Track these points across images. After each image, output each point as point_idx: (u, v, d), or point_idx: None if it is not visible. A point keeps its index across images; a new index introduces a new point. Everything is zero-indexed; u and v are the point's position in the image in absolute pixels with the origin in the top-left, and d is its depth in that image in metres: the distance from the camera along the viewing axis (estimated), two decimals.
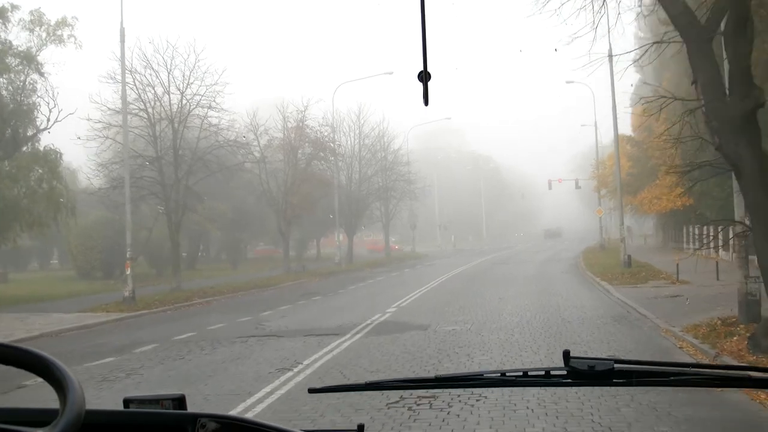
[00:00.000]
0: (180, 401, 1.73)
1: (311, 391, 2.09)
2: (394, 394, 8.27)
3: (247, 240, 56.80)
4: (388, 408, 7.98)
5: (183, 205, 28.17)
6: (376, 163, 51.65)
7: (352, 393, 7.31)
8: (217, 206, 43.33)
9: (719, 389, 6.97)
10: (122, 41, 24.23)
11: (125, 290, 23.09)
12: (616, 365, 1.79)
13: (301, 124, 37.51)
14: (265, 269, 42.20)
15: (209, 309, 23.15)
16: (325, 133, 40.46)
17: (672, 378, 1.85)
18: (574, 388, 7.79)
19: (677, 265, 22.65)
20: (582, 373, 1.78)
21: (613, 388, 5.62)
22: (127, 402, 1.74)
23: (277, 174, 38.57)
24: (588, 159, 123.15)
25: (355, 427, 1.78)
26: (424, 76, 2.64)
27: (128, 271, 23.05)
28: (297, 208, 37.46)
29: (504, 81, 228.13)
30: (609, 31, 13.77)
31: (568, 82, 52.11)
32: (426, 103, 2.70)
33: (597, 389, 7.96)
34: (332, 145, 40.36)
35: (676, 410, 7.39)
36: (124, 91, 25.06)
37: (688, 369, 1.94)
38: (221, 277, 36.18)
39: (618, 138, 31.17)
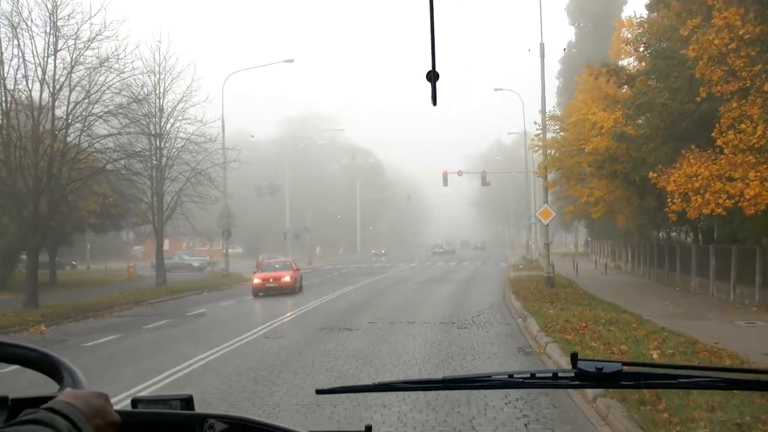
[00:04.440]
0: (188, 401, 1.66)
1: (319, 392, 1.97)
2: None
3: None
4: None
5: None
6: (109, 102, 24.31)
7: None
8: None
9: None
10: None
11: None
12: (624, 367, 1.70)
13: None
14: None
15: None
16: None
17: (680, 380, 1.80)
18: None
19: None
20: (590, 374, 1.69)
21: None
22: (135, 402, 1.67)
23: None
24: (492, 155, 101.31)
25: (363, 429, 1.68)
26: (433, 76, 2.29)
27: None
28: None
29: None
30: None
31: None
32: (434, 103, 2.34)
33: None
34: None
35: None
36: None
37: (696, 371, 1.85)
38: None
39: None
